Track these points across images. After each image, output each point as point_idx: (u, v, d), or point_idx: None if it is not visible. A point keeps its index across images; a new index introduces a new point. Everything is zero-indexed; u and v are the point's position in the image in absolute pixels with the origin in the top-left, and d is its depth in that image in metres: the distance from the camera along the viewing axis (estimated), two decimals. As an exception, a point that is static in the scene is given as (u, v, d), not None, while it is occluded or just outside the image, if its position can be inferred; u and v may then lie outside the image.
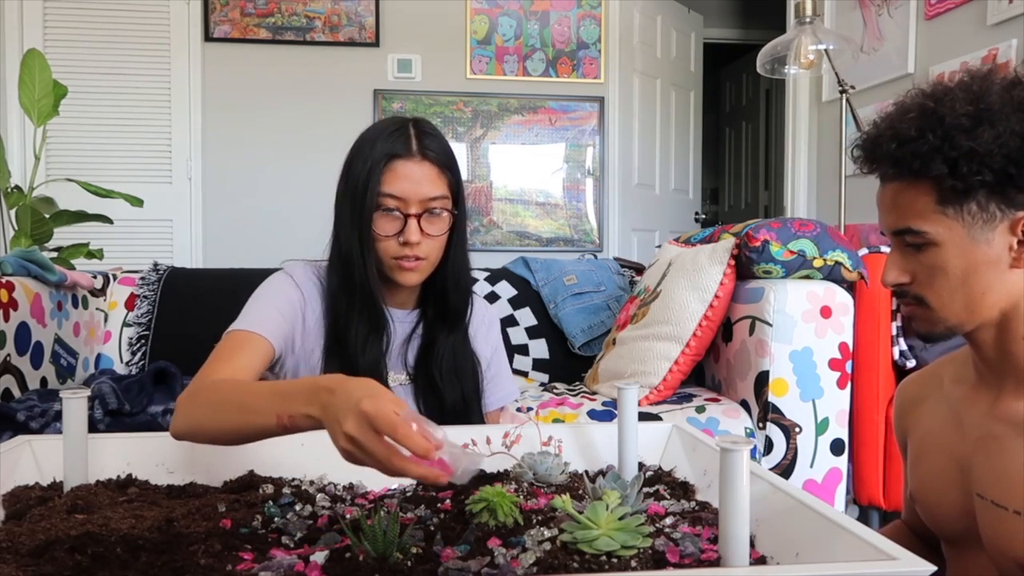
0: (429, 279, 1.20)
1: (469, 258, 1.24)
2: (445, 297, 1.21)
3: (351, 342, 1.16)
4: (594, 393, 1.91)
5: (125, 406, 1.58)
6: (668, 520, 0.73)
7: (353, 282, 1.15)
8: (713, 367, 1.93)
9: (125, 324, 2.16)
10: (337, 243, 1.18)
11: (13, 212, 2.50)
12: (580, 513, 0.65)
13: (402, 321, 1.24)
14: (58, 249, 2.58)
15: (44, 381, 1.81)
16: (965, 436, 0.90)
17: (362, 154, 1.14)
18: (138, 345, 2.13)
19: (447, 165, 1.16)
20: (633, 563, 0.62)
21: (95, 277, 2.15)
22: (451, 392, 1.22)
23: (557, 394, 1.89)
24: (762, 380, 1.68)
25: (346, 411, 0.67)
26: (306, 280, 1.20)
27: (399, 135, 1.14)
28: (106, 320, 2.17)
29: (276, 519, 0.73)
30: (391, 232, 1.13)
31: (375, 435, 0.64)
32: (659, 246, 2.47)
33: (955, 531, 0.91)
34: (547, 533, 0.67)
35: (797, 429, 1.67)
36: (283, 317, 1.13)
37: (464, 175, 3.86)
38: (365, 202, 1.12)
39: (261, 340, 1.07)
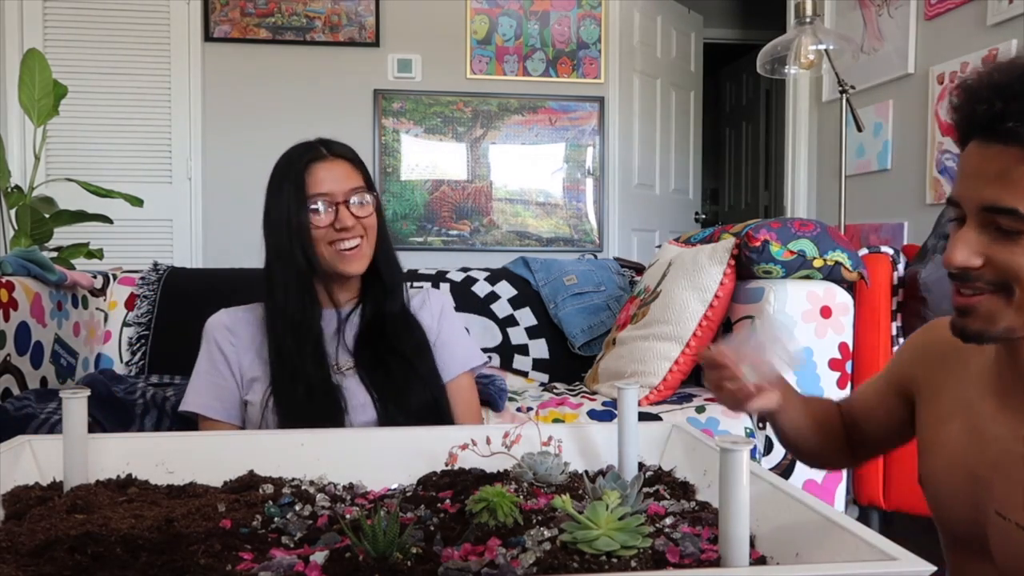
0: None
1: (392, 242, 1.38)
2: (379, 275, 1.34)
3: (288, 351, 1.26)
4: (594, 393, 1.91)
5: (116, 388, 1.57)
6: (668, 520, 0.73)
7: (295, 291, 1.26)
8: (713, 367, 1.93)
9: (125, 324, 2.16)
10: (269, 270, 1.29)
11: (13, 212, 2.50)
12: (580, 513, 0.65)
13: (346, 315, 1.34)
14: (58, 249, 2.58)
15: (44, 381, 1.81)
16: (985, 447, 0.84)
17: (281, 179, 1.28)
18: (138, 345, 2.13)
19: (357, 160, 1.34)
20: (633, 563, 0.62)
21: (95, 277, 2.15)
22: (398, 366, 1.30)
23: (557, 394, 1.89)
24: (762, 380, 1.67)
25: None
26: (221, 327, 1.33)
27: (307, 148, 1.30)
28: (106, 320, 2.17)
29: (276, 519, 0.73)
30: (325, 223, 1.26)
31: None
32: (659, 246, 2.47)
33: (960, 532, 0.89)
34: (547, 533, 0.67)
35: (797, 429, 1.67)
36: (221, 383, 1.30)
37: (464, 175, 3.92)
38: (301, 209, 1.24)
39: (213, 423, 1.29)
